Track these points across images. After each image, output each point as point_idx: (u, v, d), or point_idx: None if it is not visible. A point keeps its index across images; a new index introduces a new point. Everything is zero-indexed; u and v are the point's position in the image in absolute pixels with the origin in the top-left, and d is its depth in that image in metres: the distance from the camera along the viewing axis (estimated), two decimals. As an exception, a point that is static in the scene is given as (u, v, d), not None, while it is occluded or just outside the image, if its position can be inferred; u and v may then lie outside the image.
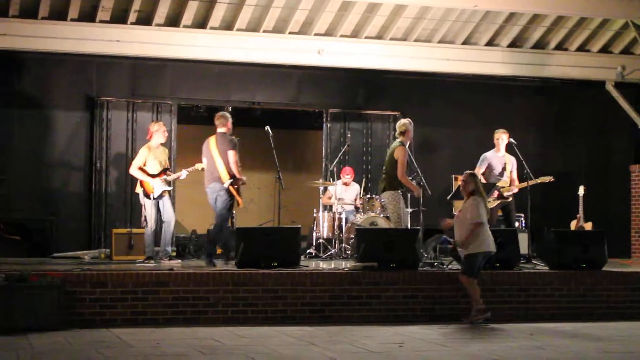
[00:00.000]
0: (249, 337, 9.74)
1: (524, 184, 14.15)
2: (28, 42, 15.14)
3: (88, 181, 15.95)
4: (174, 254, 14.34)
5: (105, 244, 15.00)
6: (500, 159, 14.30)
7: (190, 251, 14.79)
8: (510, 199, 14.23)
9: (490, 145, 14.50)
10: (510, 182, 14.26)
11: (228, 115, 13.46)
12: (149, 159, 13.35)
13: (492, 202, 14.01)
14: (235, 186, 12.96)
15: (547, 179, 14.09)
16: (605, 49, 17.82)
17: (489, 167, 14.28)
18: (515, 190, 14.31)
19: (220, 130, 13.09)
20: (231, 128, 13.20)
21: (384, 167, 13.38)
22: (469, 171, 11.65)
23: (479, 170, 14.29)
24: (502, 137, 14.36)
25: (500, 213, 14.37)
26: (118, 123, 16.09)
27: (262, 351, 8.74)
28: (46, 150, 15.91)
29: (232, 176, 12.90)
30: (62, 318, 10.14)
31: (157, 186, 13.24)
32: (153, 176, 13.28)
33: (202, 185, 17.31)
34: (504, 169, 14.25)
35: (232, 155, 12.85)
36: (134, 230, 13.83)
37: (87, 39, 15.26)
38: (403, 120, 13.52)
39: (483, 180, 14.08)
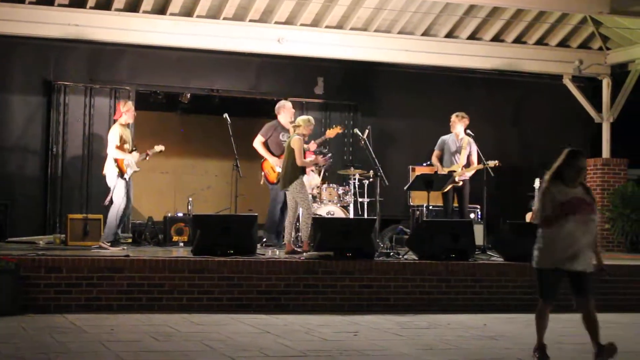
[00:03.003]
0: (204, 325, 9.74)
1: (471, 169, 14.28)
2: (-16, 25, 14.99)
3: (44, 166, 15.82)
4: (130, 240, 14.27)
5: (61, 229, 14.90)
6: (456, 142, 14.38)
7: (147, 238, 14.72)
8: (461, 183, 14.27)
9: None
10: (469, 164, 14.35)
11: (280, 103, 14.42)
12: (124, 138, 13.20)
13: (445, 187, 14.09)
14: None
15: (492, 163, 14.12)
16: (563, 43, 17.95)
17: (444, 150, 14.40)
18: (468, 174, 14.36)
19: None
20: (281, 115, 14.22)
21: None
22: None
23: (435, 153, 14.43)
24: (454, 120, 14.49)
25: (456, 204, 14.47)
26: (75, 108, 15.97)
27: (217, 338, 8.74)
28: (1, 134, 15.75)
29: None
30: (16, 303, 10.08)
31: (130, 165, 13.09)
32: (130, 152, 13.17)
33: (158, 172, 17.32)
34: (457, 152, 14.33)
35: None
36: (90, 216, 13.74)
37: (45, 22, 15.10)
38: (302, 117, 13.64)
39: (429, 163, 14.24)
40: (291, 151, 12.81)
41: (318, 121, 16.90)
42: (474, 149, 14.48)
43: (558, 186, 7.84)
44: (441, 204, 14.70)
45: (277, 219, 13.96)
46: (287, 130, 13.84)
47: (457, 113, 14.67)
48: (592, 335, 8.04)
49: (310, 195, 15.23)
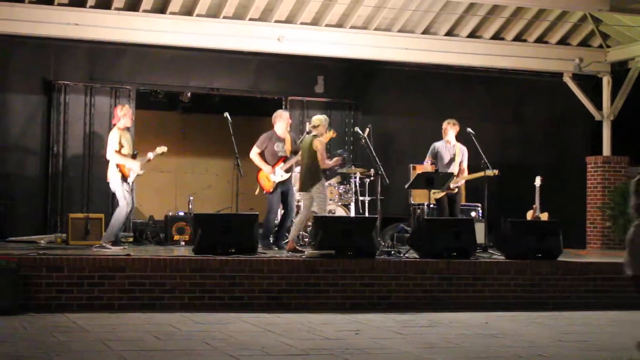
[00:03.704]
0: (205, 324, 9.73)
1: (470, 177, 14.29)
2: (-16, 25, 14.99)
3: (44, 165, 15.83)
4: (131, 239, 14.26)
5: (62, 229, 14.90)
6: (449, 149, 14.39)
7: (148, 237, 14.73)
8: (456, 190, 14.29)
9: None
10: (459, 172, 14.35)
11: (276, 112, 14.19)
12: (123, 142, 13.12)
13: (438, 194, 14.08)
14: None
15: (492, 172, 14.05)
16: (563, 41, 17.94)
17: (437, 157, 14.38)
18: (462, 182, 14.41)
19: None
20: (276, 124, 14.01)
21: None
22: None
23: (427, 159, 14.41)
24: (446, 128, 14.47)
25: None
26: (76, 107, 15.98)
27: (219, 337, 8.74)
28: (1, 134, 15.75)
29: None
30: (18, 302, 10.08)
31: (133, 170, 13.01)
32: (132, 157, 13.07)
33: (159, 171, 17.29)
34: (452, 159, 14.34)
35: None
36: (91, 215, 13.74)
37: (45, 21, 15.09)
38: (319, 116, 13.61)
39: (429, 169, 14.24)
40: (313, 153, 12.83)
41: (318, 120, 16.90)
42: (465, 156, 14.51)
43: None
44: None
45: (272, 227, 13.94)
46: (282, 140, 13.86)
47: (448, 120, 14.61)
48: None
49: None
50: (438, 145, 14.48)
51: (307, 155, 12.95)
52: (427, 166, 14.49)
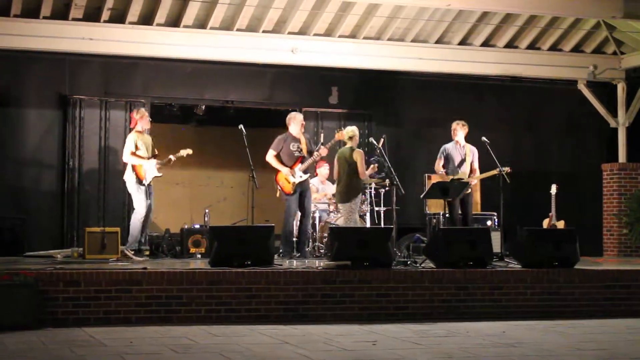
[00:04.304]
0: (222, 336, 9.73)
1: (482, 176, 14.31)
2: (0, 40, 15.06)
3: (60, 180, 15.90)
4: (148, 252, 14.31)
5: (78, 243, 14.94)
6: (459, 150, 14.44)
7: (164, 250, 14.74)
8: (469, 191, 14.30)
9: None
10: (471, 172, 14.39)
11: (290, 115, 14.40)
12: (139, 144, 13.30)
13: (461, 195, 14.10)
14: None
15: (505, 169, 14.01)
16: (577, 49, 17.93)
17: (448, 159, 14.42)
18: (474, 182, 14.43)
19: None
20: (290, 126, 14.18)
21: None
22: None
23: (439, 162, 14.44)
24: (455, 128, 14.54)
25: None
26: (91, 121, 16.06)
27: (236, 349, 8.73)
28: (18, 149, 15.83)
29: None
30: (35, 317, 10.09)
31: (149, 171, 13.16)
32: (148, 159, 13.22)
33: (174, 184, 17.32)
34: (463, 160, 14.37)
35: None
36: (107, 229, 13.76)
37: (60, 36, 15.20)
38: (352, 127, 13.87)
39: (441, 172, 14.29)
40: (352, 164, 13.13)
41: (332, 131, 16.91)
42: (476, 156, 14.56)
43: None
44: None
45: (292, 229, 14.01)
46: (298, 140, 13.95)
47: (457, 121, 14.69)
48: None
49: (327, 205, 15.31)
50: (448, 146, 14.57)
51: (345, 166, 13.29)
52: (439, 168, 14.52)
